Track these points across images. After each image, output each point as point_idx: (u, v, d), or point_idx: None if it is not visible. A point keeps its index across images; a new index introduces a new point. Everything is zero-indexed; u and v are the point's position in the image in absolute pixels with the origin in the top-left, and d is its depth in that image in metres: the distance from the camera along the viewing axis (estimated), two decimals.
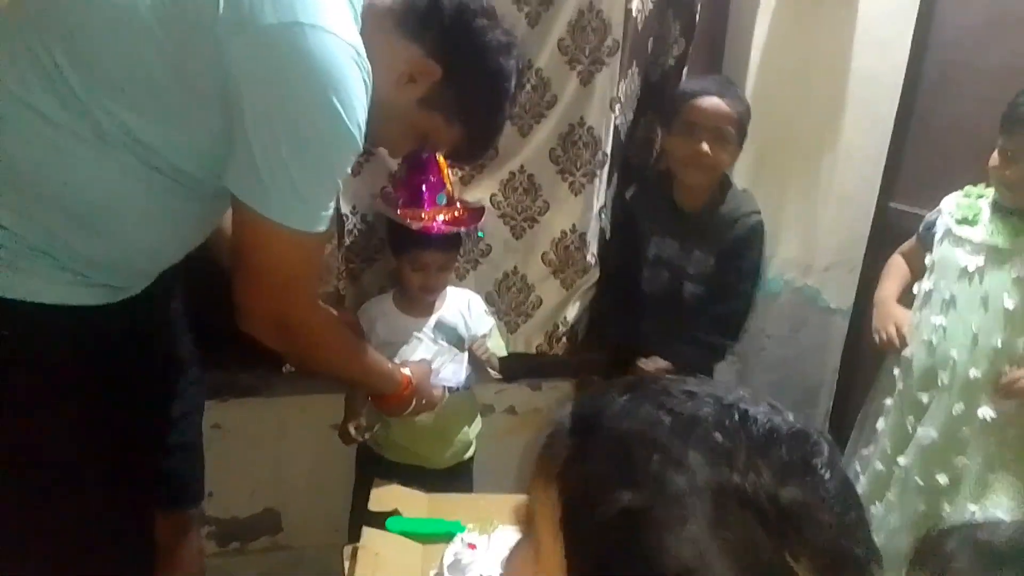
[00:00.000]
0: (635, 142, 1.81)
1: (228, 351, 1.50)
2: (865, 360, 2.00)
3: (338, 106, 0.90)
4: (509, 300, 1.79)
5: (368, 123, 0.96)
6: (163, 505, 1.24)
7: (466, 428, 1.62)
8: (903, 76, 1.87)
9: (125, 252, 1.01)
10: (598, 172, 1.70)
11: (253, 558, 1.92)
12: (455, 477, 1.60)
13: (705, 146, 1.55)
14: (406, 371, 1.31)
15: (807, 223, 1.93)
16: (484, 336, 1.57)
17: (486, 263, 1.75)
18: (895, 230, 1.93)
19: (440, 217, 1.46)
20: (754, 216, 1.64)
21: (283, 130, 0.91)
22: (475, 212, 1.56)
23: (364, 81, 0.94)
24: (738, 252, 1.64)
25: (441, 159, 1.48)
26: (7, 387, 0.95)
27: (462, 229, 1.52)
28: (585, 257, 1.76)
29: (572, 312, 1.82)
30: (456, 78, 1.07)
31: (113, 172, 0.93)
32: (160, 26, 0.88)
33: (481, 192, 1.69)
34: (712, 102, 1.56)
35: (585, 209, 1.72)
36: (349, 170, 0.98)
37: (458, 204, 1.54)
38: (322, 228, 0.99)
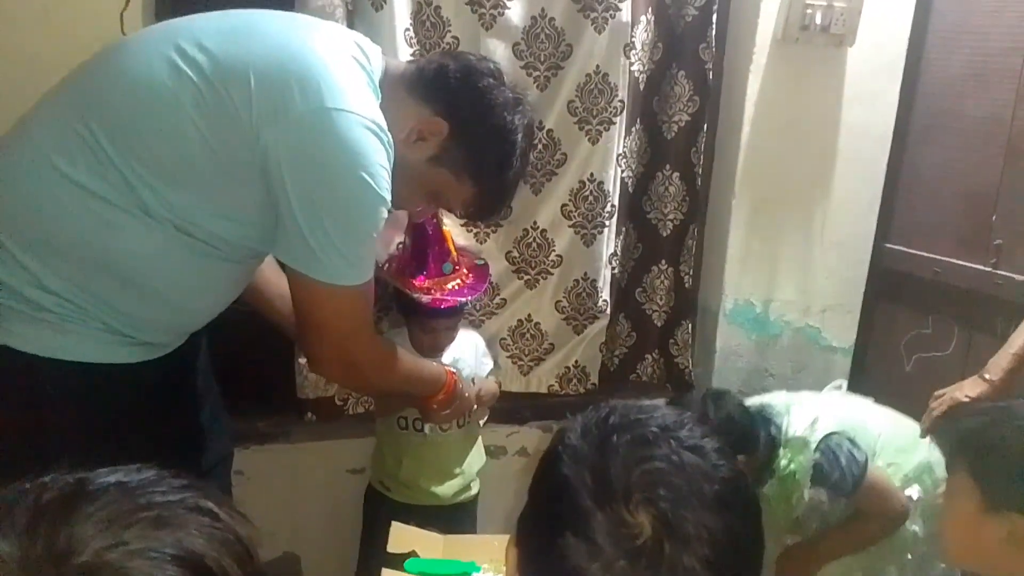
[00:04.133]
0: (651, 196, 1.90)
1: (247, 399, 1.59)
2: (867, 397, 2.06)
3: (367, 178, 1.00)
4: (523, 346, 1.86)
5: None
6: None
7: (469, 460, 1.66)
8: (892, 127, 1.94)
9: (167, 313, 1.08)
10: (607, 223, 1.78)
11: None
12: (461, 514, 1.64)
13: None
14: (449, 368, 1.40)
15: (804, 267, 1.98)
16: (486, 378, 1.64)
17: (501, 313, 1.81)
18: (892, 269, 2.02)
19: (449, 285, 1.49)
20: None
21: (323, 206, 1.00)
22: (481, 273, 1.58)
23: (386, 149, 1.03)
24: None
25: (446, 228, 1.51)
26: (49, 445, 0.99)
27: (468, 299, 1.55)
28: (596, 303, 1.83)
29: (583, 355, 1.88)
30: (463, 133, 1.12)
31: (157, 242, 1.01)
32: (201, 116, 0.97)
33: (496, 250, 1.75)
34: None
35: (596, 258, 1.79)
36: (382, 225, 1.06)
37: (464, 269, 1.55)
38: (368, 279, 1.09)
